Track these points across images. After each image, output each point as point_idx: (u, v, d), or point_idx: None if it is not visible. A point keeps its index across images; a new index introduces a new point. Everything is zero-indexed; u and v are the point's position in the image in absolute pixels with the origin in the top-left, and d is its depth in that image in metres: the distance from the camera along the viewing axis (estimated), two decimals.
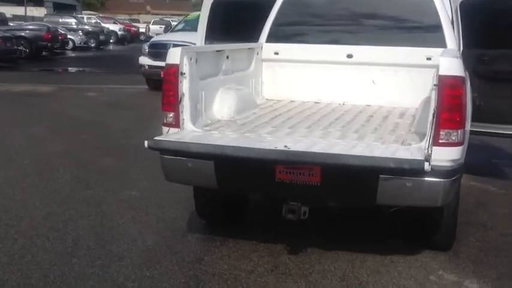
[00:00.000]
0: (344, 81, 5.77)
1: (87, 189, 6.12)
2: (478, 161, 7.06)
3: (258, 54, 5.88)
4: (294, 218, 3.99)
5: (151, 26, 45.66)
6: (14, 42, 21.85)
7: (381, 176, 3.60)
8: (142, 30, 47.26)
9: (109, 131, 9.44)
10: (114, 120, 10.48)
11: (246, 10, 6.61)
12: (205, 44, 6.90)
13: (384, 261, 4.35)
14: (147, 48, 14.43)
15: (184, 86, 4.23)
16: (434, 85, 3.66)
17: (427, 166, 3.31)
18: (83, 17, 41.62)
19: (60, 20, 35.00)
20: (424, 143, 3.67)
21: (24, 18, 39.24)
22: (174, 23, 46.91)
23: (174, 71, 4.18)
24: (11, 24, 29.50)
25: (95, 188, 6.17)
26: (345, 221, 5.20)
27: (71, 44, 31.94)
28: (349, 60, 5.69)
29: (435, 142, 3.61)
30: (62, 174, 6.66)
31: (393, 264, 4.30)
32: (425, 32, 5.54)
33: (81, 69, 20.92)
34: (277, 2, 6.05)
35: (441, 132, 3.61)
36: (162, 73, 4.36)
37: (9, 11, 37.00)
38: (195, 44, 13.61)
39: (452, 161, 3.64)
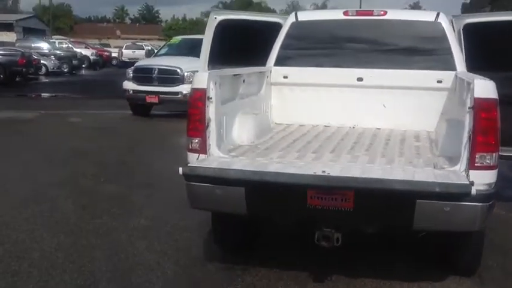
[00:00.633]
0: (354, 105, 5.79)
1: (94, 218, 5.98)
2: None
3: (267, 77, 5.86)
4: (328, 245, 3.94)
5: (124, 51, 45.53)
6: None
7: (418, 200, 3.58)
8: (114, 54, 46.96)
9: (103, 157, 9.27)
10: (105, 146, 10.31)
11: (250, 33, 6.58)
12: (208, 68, 6.82)
13: (412, 287, 4.32)
14: (131, 72, 14.33)
15: (211, 110, 4.19)
16: (469, 108, 3.67)
17: (473, 190, 3.32)
18: (54, 42, 41.18)
19: (33, 45, 34.50)
20: (459, 167, 3.68)
21: None
22: (147, 48, 47.08)
23: (201, 96, 4.14)
24: None
25: (101, 216, 6.03)
26: (365, 246, 5.16)
27: (44, 69, 31.51)
28: (360, 83, 5.72)
29: (471, 166, 3.63)
30: (64, 203, 6.50)
31: None
32: (434, 55, 5.60)
33: (59, 95, 20.60)
34: (284, 25, 6.05)
35: (477, 156, 3.62)
36: (189, 98, 4.28)
37: None
38: (181, 68, 13.75)
39: (488, 184, 3.65)
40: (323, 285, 4.36)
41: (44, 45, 36.18)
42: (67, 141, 10.75)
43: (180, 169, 3.85)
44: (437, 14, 5.68)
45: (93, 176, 7.90)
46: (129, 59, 44.28)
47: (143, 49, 45.77)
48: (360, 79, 5.70)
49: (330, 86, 5.82)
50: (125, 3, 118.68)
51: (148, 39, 68.02)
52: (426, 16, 5.83)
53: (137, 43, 50.42)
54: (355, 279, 4.43)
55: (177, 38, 16.93)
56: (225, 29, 6.71)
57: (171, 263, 4.81)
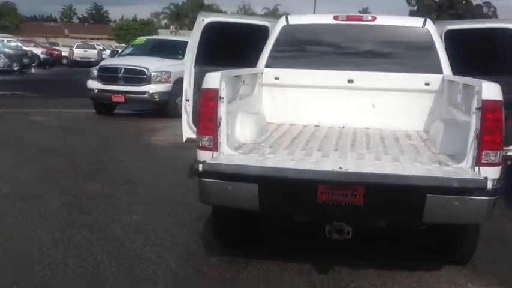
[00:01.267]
0: (344, 105, 5.95)
1: (83, 214, 5.95)
2: None
3: (259, 79, 5.97)
4: (340, 238, 4.07)
5: (75, 50, 44.52)
6: None
7: (428, 195, 3.76)
8: (64, 54, 45.90)
9: (76, 156, 9.15)
10: (75, 145, 10.16)
11: (237, 35, 6.66)
12: (194, 69, 6.84)
13: (412, 277, 4.50)
14: (95, 72, 14.16)
15: (222, 109, 4.28)
16: (476, 109, 3.88)
17: (489, 185, 3.52)
18: (3, 40, 40.03)
19: None
20: (465, 164, 3.89)
21: None
22: (98, 47, 46.29)
23: (213, 95, 4.23)
24: None
25: (90, 213, 6.00)
26: (365, 238, 5.31)
27: None
28: (350, 85, 5.89)
29: (478, 162, 3.84)
30: (49, 201, 6.42)
31: (423, 280, 4.46)
32: (422, 58, 5.82)
33: (14, 93, 20.06)
34: (275, 28, 6.15)
35: (483, 153, 3.85)
36: (200, 98, 4.35)
37: None
38: (148, 68, 13.69)
39: (494, 180, 3.86)
40: (328, 275, 4.49)
41: None
42: (35, 140, 10.55)
43: (200, 166, 3.92)
44: (425, 20, 5.91)
45: (70, 173, 7.82)
46: (80, 58, 43.55)
47: (95, 48, 44.94)
48: (350, 81, 5.87)
49: (321, 88, 5.97)
50: (73, 2, 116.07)
51: (98, 39, 66.76)
52: (414, 22, 6.05)
53: (88, 42, 49.43)
54: (357, 270, 4.57)
55: (142, 39, 16.79)
56: (211, 31, 6.77)
57: (173, 256, 4.84)
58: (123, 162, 8.71)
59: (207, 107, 4.25)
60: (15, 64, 33.63)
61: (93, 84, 14.06)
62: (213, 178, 4.04)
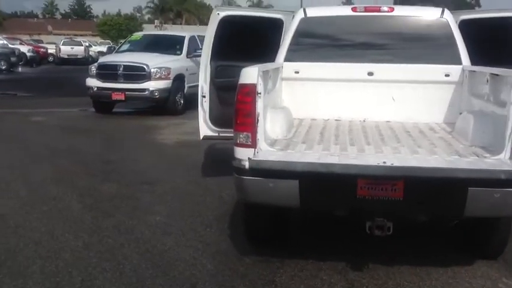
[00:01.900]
0: (364, 99, 5.97)
1: (108, 216, 5.94)
2: None
3: (280, 73, 5.97)
4: (382, 234, 4.11)
5: (61, 47, 44.01)
6: None
7: (470, 188, 3.81)
8: (51, 51, 45.42)
9: (85, 156, 9.13)
10: (82, 145, 10.12)
11: (254, 28, 6.65)
12: (210, 64, 6.82)
13: (448, 273, 4.55)
14: (94, 69, 14.02)
15: (259, 105, 4.27)
16: None
17: None
18: None
19: None
20: (504, 155, 3.94)
21: None
22: (85, 44, 45.92)
23: (250, 90, 4.22)
24: None
25: (114, 215, 5.99)
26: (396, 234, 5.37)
27: None
28: (370, 78, 5.91)
29: None
30: (70, 203, 6.42)
31: (459, 275, 4.51)
32: (441, 49, 5.85)
33: (7, 93, 19.83)
34: (293, 20, 6.14)
35: None
36: (238, 93, 4.31)
37: None
38: (147, 64, 13.61)
39: None
40: (364, 273, 4.53)
41: None
42: (41, 140, 10.52)
43: (246, 163, 3.93)
44: (443, 11, 5.93)
45: (84, 174, 7.80)
46: (68, 55, 43.21)
47: (82, 45, 44.65)
48: (370, 73, 5.89)
49: (341, 81, 5.97)
50: None
51: (82, 35, 66.23)
52: (432, 12, 6.06)
53: (75, 39, 48.96)
54: (392, 267, 4.62)
55: (139, 34, 16.70)
56: (226, 25, 6.74)
57: (206, 257, 4.86)
58: (133, 162, 8.68)
59: (244, 103, 4.22)
60: (2, 63, 33.32)
61: (93, 82, 13.92)
62: (255, 175, 4.05)
